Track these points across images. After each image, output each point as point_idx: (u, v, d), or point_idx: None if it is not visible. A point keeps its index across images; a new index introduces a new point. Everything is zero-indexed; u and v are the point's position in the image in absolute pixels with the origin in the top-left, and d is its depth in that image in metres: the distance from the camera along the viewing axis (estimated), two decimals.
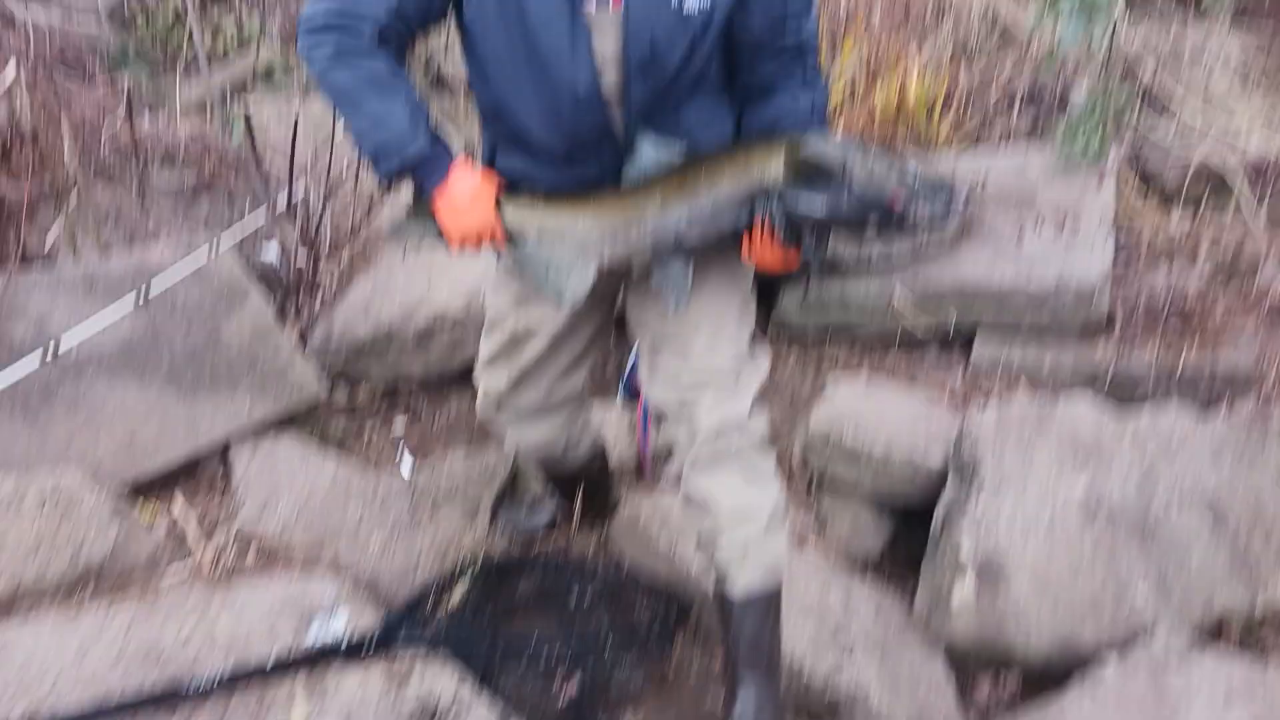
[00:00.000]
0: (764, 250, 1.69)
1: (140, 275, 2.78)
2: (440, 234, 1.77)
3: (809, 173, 1.62)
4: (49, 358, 2.40)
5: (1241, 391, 2.56)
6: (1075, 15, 3.79)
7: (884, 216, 1.61)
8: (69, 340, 2.43)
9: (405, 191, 1.84)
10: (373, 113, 1.63)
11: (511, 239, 1.78)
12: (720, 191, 1.67)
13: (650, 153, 1.70)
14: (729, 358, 1.83)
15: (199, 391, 2.56)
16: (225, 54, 5.23)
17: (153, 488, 2.47)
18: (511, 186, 1.79)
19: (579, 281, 1.75)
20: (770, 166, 1.65)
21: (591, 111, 1.66)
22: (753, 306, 1.95)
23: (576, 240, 1.75)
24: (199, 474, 2.56)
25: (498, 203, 1.75)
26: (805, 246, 1.67)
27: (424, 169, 1.68)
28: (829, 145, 1.64)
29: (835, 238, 1.73)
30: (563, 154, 1.73)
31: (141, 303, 2.59)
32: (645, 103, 1.67)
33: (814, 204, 1.62)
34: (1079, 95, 3.87)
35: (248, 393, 2.59)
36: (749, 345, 1.90)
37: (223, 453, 2.60)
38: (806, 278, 1.86)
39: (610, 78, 1.65)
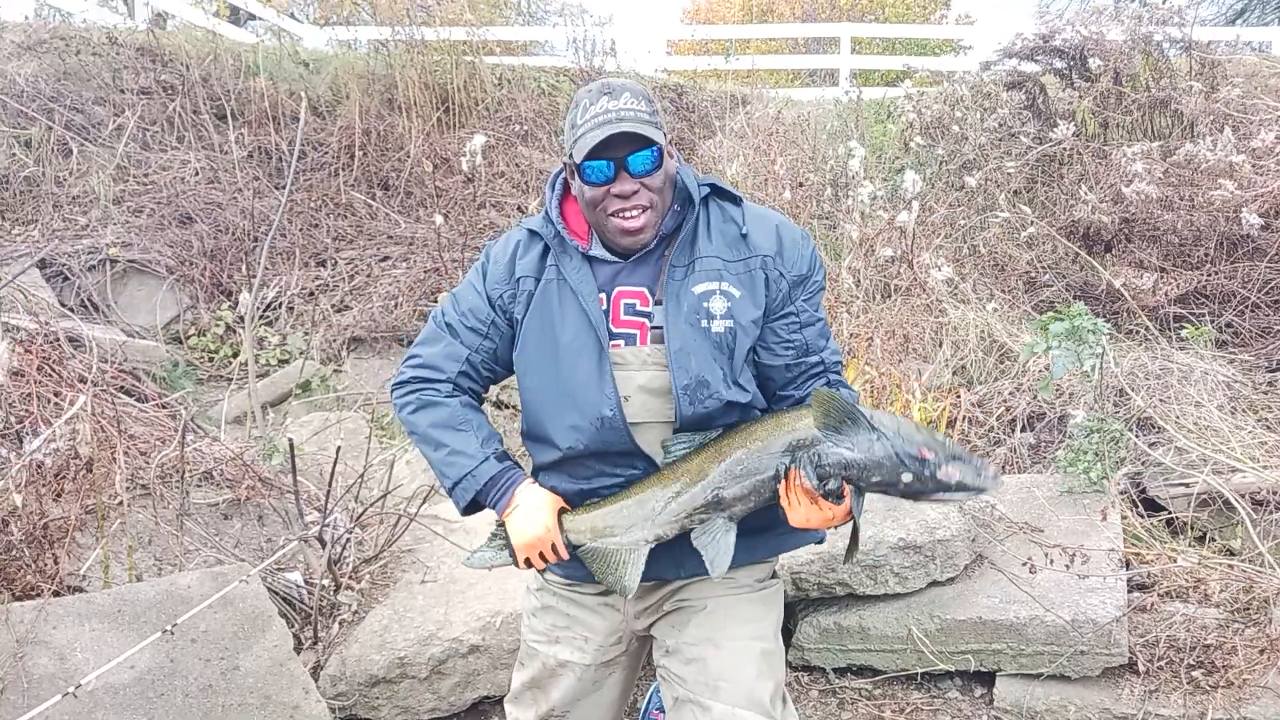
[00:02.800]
0: (799, 504, 1.74)
1: (168, 602, 2.84)
2: (510, 558, 1.92)
3: (838, 421, 1.71)
4: (71, 695, 2.40)
5: None
6: (1064, 345, 4.05)
7: (916, 469, 1.66)
8: (90, 679, 2.45)
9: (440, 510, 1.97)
10: (449, 448, 1.89)
11: (572, 547, 1.89)
12: (755, 447, 1.77)
13: (685, 439, 1.85)
14: None
15: None
16: (268, 364, 5.60)
17: None
18: (565, 503, 1.93)
19: (635, 570, 1.83)
20: (801, 423, 1.75)
21: (616, 434, 1.85)
22: (780, 656, 1.97)
23: (626, 529, 1.85)
24: None
25: (560, 516, 1.90)
26: (833, 487, 1.70)
27: (493, 490, 1.89)
28: (859, 405, 1.74)
29: (870, 490, 1.73)
30: (594, 471, 1.90)
31: (169, 631, 2.63)
32: (693, 423, 1.85)
33: (843, 450, 1.69)
34: (1077, 420, 4.05)
35: None
36: (772, 702, 1.88)
37: None
38: (854, 538, 1.87)
39: (635, 405, 1.85)
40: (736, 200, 1.93)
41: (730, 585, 1.93)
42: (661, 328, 1.85)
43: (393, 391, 1.99)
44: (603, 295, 1.87)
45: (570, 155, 1.82)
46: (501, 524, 1.92)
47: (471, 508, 1.92)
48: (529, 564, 1.90)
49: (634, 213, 1.80)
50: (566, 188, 1.96)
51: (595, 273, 1.88)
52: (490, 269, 1.96)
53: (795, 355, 1.90)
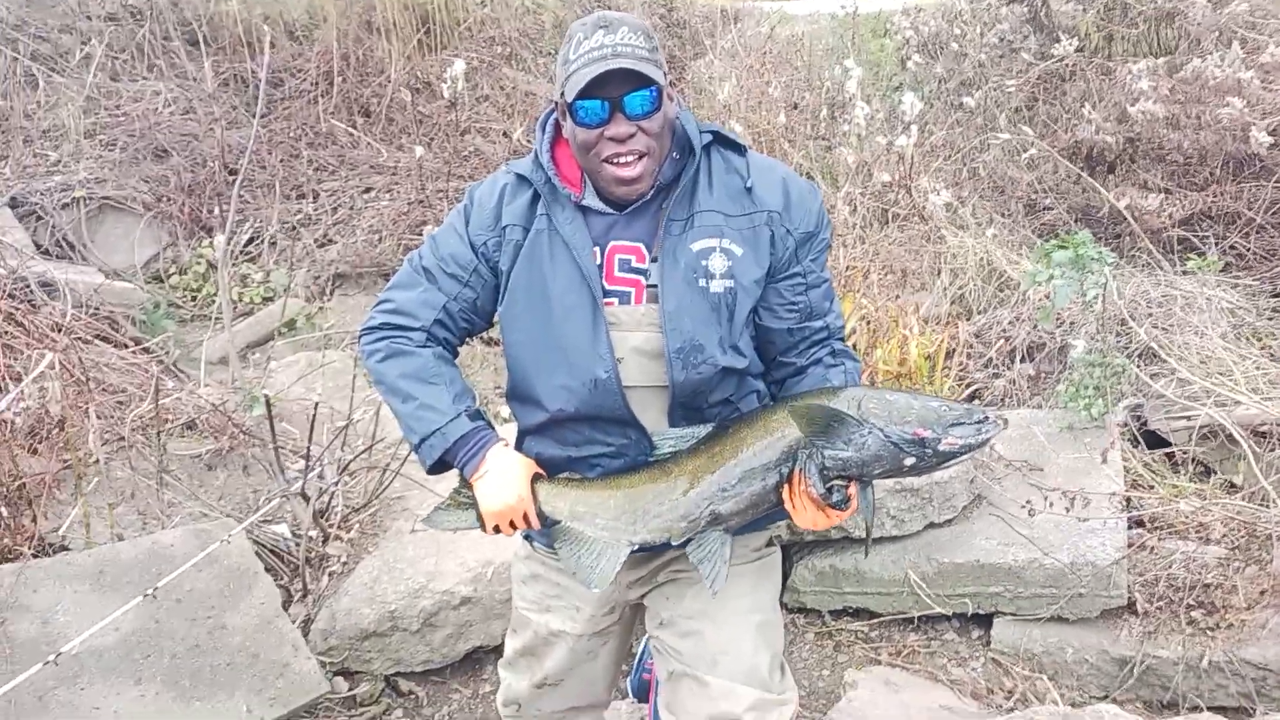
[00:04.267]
0: (805, 509, 1.67)
1: (151, 561, 2.79)
2: (476, 521, 1.80)
3: (824, 427, 1.63)
4: (52, 663, 2.36)
5: (1270, 695, 2.47)
6: (1067, 275, 3.93)
7: (918, 451, 1.60)
8: (73, 645, 2.40)
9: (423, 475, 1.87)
10: (418, 401, 1.75)
11: (544, 521, 1.79)
12: (747, 459, 1.68)
13: (675, 435, 1.75)
14: (747, 700, 1.78)
15: (196, 695, 2.50)
16: (252, 303, 5.47)
17: None
18: (549, 470, 1.83)
19: (609, 566, 1.74)
20: (791, 427, 1.66)
21: (609, 396, 1.74)
22: (777, 627, 1.92)
23: (608, 521, 1.76)
24: None
25: (534, 485, 1.79)
26: (839, 499, 1.63)
27: (462, 449, 1.77)
28: (841, 395, 1.67)
29: (875, 480, 1.68)
30: (584, 438, 1.80)
31: (150, 595, 2.58)
32: (687, 390, 1.74)
33: (840, 450, 1.62)
34: (1077, 350, 3.95)
35: (246, 696, 2.52)
36: (770, 674, 1.84)
37: None
38: (867, 533, 1.86)
39: (630, 367, 1.74)
40: (740, 150, 1.80)
41: None
42: (657, 286, 1.73)
43: (361, 337, 1.85)
44: (596, 249, 1.74)
45: (561, 94, 1.68)
46: (468, 484, 1.80)
47: (438, 467, 1.80)
48: (497, 530, 1.79)
49: (629, 158, 1.67)
50: (558, 130, 1.81)
51: (589, 224, 1.75)
52: (474, 213, 1.82)
53: (799, 319, 1.79)
